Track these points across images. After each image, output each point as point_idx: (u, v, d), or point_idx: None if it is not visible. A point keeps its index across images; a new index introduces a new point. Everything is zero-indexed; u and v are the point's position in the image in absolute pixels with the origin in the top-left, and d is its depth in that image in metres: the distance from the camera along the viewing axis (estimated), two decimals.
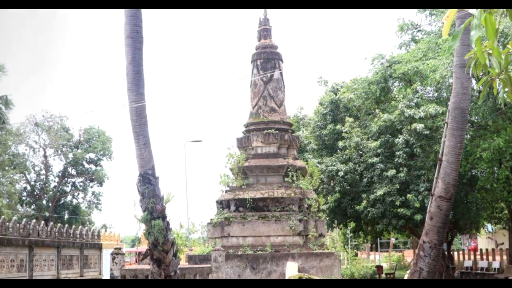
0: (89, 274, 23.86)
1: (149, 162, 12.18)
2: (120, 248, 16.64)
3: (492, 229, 43.31)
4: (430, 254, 13.11)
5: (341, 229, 36.99)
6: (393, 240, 52.90)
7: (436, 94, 27.15)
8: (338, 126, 28.07)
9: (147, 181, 12.01)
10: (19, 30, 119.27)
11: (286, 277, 17.26)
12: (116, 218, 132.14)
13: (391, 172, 25.23)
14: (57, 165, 57.84)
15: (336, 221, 29.44)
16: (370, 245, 54.92)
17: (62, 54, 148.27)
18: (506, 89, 5.06)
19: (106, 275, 25.11)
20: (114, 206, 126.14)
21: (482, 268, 31.36)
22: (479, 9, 4.38)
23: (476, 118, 25.46)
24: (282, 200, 20.51)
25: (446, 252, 29.31)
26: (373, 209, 25.86)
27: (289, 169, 21.20)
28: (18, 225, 19.45)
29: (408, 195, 24.69)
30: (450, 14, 4.81)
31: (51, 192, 46.95)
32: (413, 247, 45.16)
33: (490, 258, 32.26)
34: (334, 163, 27.12)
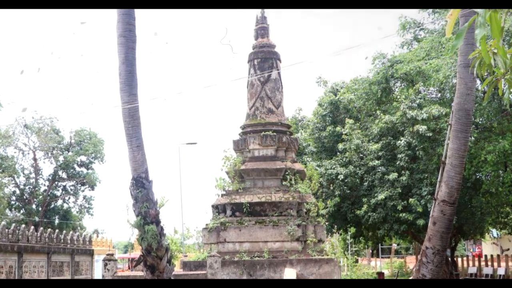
0: None
1: (142, 165, 11.96)
2: (112, 254, 16.64)
3: (497, 234, 42.93)
4: (433, 261, 12.88)
5: (341, 234, 36.62)
6: (394, 246, 52.39)
7: (439, 94, 27.01)
8: (338, 128, 27.86)
9: (140, 185, 11.80)
10: (8, 28, 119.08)
11: None
12: (108, 223, 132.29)
13: (393, 175, 25.05)
14: (47, 168, 57.12)
15: (336, 226, 29.18)
16: (371, 251, 54.54)
17: (53, 54, 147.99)
18: None
19: None
20: (106, 211, 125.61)
21: (486, 275, 30.81)
22: None
23: (481, 119, 25.12)
24: (280, 205, 20.06)
25: (449, 258, 28.93)
26: (374, 213, 25.66)
27: (287, 173, 20.75)
28: (7, 230, 19.47)
29: (410, 200, 24.51)
30: (454, 12, 4.73)
31: (41, 196, 46.27)
32: (415, 253, 44.76)
33: (495, 264, 31.83)
34: (334, 166, 26.91)
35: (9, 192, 44.42)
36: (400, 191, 25.06)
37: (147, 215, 11.72)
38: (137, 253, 41.10)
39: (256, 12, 22.66)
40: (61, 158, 46.29)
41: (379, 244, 43.55)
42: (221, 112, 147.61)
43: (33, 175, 46.32)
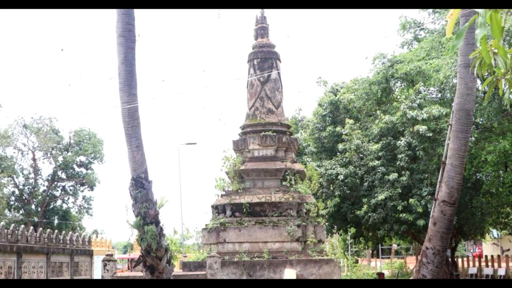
0: None
1: (142, 166, 11.93)
2: (111, 255, 16.56)
3: (498, 234, 42.81)
4: (433, 261, 12.82)
5: (341, 235, 36.50)
6: (395, 246, 52.30)
7: (439, 94, 26.89)
8: (338, 128, 27.73)
9: (140, 185, 11.78)
10: (6, 28, 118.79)
11: None
12: (107, 223, 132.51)
13: (393, 175, 24.93)
14: (47, 168, 56.98)
15: (335, 226, 29.06)
16: (371, 251, 54.41)
17: (52, 54, 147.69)
18: None
19: None
20: (106, 211, 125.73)
21: (487, 276, 30.68)
22: None
23: (481, 119, 25.02)
24: (280, 205, 19.99)
25: (450, 259, 28.82)
26: (374, 214, 25.54)
27: (287, 173, 20.67)
28: (6, 230, 19.34)
29: (411, 200, 24.38)
30: (454, 12, 4.74)
31: (40, 197, 46.11)
32: (415, 253, 44.65)
33: (496, 265, 31.67)
34: (334, 167, 26.78)
35: (8, 193, 44.27)
36: (400, 191, 24.93)
37: (147, 216, 11.68)
38: (136, 253, 41.02)
39: (256, 12, 22.62)
40: (60, 158, 46.14)
41: (379, 245, 43.48)
42: (221, 112, 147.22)
43: (32, 175, 46.18)
